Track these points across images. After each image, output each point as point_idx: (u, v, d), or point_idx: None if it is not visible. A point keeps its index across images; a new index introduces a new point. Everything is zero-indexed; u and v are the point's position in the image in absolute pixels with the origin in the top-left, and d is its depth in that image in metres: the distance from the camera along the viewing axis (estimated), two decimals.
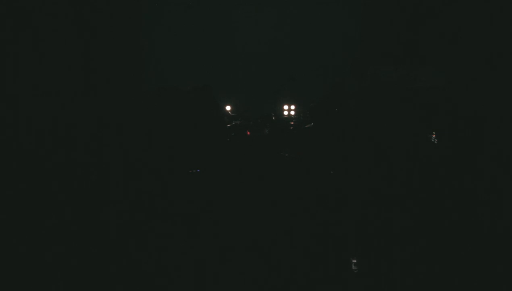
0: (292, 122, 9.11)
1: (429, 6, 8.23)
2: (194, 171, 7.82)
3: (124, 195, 5.88)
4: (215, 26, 9.07)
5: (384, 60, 8.19)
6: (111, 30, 8.91)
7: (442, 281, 5.14)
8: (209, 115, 7.95)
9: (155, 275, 4.20)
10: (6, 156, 5.34)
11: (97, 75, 9.03)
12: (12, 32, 5.88)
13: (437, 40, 7.97)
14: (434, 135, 7.91)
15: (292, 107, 9.07)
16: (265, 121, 8.92)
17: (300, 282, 4.74)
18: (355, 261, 3.61)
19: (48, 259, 4.31)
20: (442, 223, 6.53)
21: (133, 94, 9.28)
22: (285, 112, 9.14)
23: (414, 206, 5.61)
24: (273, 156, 8.68)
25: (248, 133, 8.54)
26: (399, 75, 6.94)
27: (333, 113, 8.33)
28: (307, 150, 8.54)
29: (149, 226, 5.12)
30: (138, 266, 4.33)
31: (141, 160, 5.72)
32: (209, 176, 7.39)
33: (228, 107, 8.95)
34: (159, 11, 8.98)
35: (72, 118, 7.52)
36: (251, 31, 9.16)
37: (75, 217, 5.15)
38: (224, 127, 8.15)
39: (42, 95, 6.39)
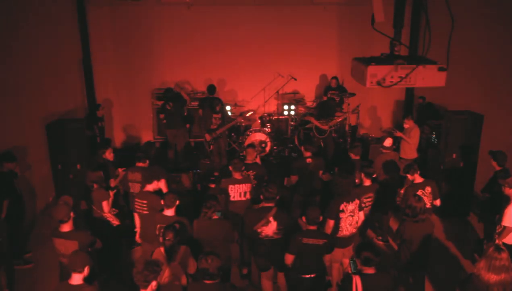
0: (292, 123, 9.09)
1: (429, 6, 8.22)
2: (194, 171, 7.84)
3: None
4: (215, 26, 9.07)
5: (384, 60, 8.17)
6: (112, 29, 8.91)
7: (441, 281, 5.15)
8: (208, 115, 7.95)
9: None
10: None
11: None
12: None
13: (437, 40, 7.96)
14: (434, 135, 7.91)
15: (292, 107, 9.05)
16: (265, 121, 8.91)
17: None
18: (354, 260, 3.60)
19: None
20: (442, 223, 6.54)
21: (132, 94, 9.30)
22: (285, 112, 9.11)
23: None
24: (273, 155, 8.67)
25: (248, 133, 8.55)
26: (399, 75, 6.91)
27: (333, 114, 8.32)
28: (307, 150, 8.53)
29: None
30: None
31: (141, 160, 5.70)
32: (209, 176, 7.39)
33: (228, 107, 8.94)
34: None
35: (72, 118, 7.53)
36: (251, 31, 9.15)
37: None
38: (224, 127, 8.15)
39: None
